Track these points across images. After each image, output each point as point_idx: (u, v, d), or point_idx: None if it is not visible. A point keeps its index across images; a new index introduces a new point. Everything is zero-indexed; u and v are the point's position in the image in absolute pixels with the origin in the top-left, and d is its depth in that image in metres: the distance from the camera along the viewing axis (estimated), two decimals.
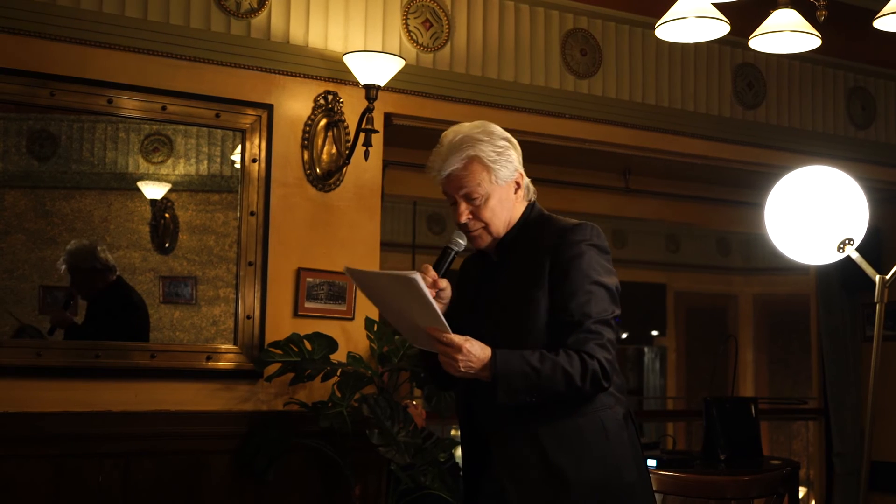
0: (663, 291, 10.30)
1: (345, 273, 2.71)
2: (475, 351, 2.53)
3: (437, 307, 2.54)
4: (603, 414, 2.66)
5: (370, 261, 4.80)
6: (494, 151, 2.73)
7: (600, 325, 2.61)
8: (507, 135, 2.80)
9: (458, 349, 2.52)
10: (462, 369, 2.54)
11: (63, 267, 4.34)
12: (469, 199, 2.73)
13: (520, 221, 2.79)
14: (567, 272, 2.63)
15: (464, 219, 2.74)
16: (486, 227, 2.75)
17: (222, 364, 4.49)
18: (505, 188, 2.76)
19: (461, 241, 2.75)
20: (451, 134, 2.77)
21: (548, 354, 2.56)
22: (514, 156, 2.78)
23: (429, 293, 2.52)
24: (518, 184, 2.79)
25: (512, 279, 2.71)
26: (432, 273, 2.67)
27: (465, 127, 2.78)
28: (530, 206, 2.82)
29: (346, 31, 4.81)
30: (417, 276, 2.49)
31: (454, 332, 2.56)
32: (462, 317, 2.69)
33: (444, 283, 2.69)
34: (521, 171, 2.80)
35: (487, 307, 2.73)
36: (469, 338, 2.55)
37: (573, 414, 2.63)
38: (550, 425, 2.62)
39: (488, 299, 2.74)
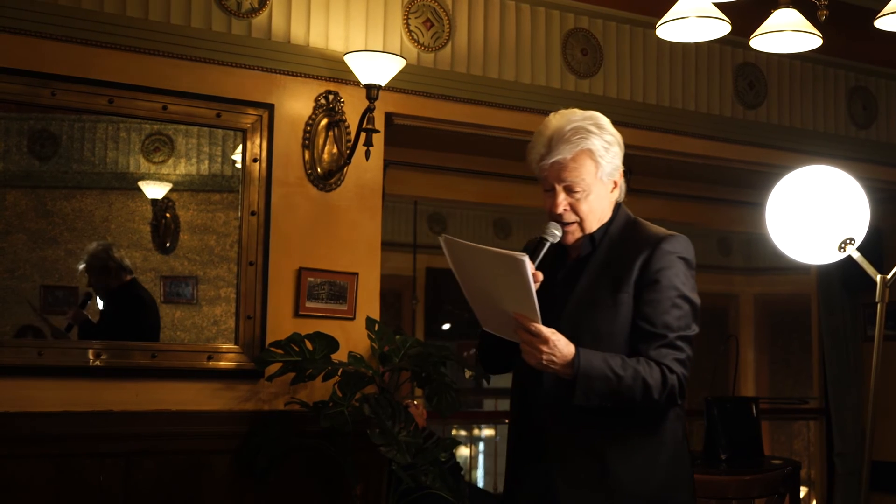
0: None
1: (441, 241, 2.59)
2: (560, 345, 2.47)
3: (535, 296, 2.45)
4: (668, 430, 2.63)
5: (371, 261, 4.80)
6: (604, 146, 2.67)
7: (682, 340, 2.58)
8: (614, 130, 2.73)
9: (546, 341, 2.46)
10: (544, 361, 2.47)
11: (82, 266, 4.36)
12: (570, 191, 2.66)
13: (608, 221, 2.72)
14: (656, 282, 2.58)
15: (560, 209, 2.66)
16: (581, 223, 2.68)
17: (223, 364, 4.49)
18: (605, 185, 2.69)
19: (556, 233, 2.67)
20: (560, 120, 2.69)
21: (629, 361, 2.51)
22: (618, 153, 2.71)
23: (532, 280, 2.43)
24: (616, 183, 2.73)
25: (597, 280, 2.65)
26: (530, 264, 2.57)
27: (577, 116, 2.69)
28: (618, 206, 2.76)
29: (347, 30, 4.81)
30: (527, 260, 2.40)
31: None
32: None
33: (539, 275, 2.57)
34: (622, 169, 2.73)
35: (566, 304, 2.65)
36: (556, 331, 2.48)
37: (639, 426, 2.60)
38: (615, 434, 2.58)
39: (567, 296, 2.67)
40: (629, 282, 2.60)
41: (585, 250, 2.71)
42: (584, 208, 2.67)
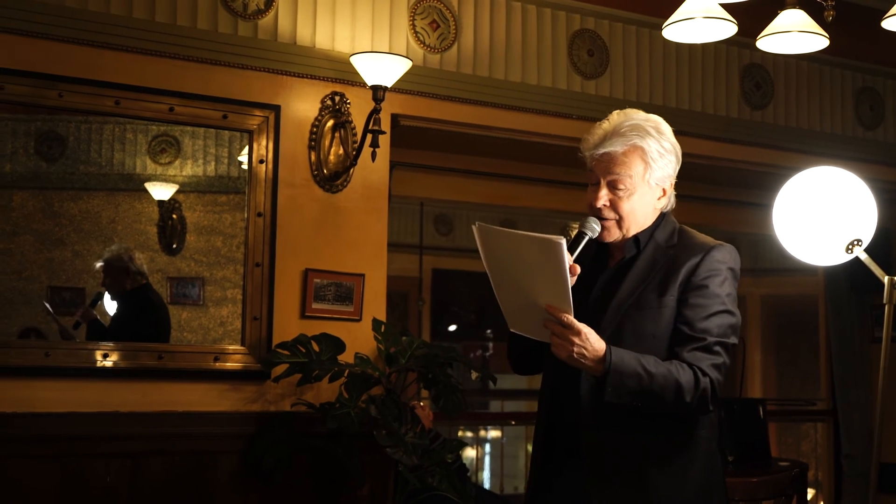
0: None
1: (474, 229, 2.51)
2: (592, 339, 2.43)
3: (568, 283, 2.40)
4: (700, 436, 2.60)
5: (377, 262, 4.80)
6: (659, 151, 2.64)
7: (719, 346, 2.55)
8: (675, 140, 2.70)
9: (578, 333, 2.42)
10: (575, 355, 2.43)
11: (100, 265, 4.37)
12: (614, 186, 2.63)
13: (651, 227, 2.69)
14: (702, 287, 2.56)
15: (599, 203, 2.63)
16: (619, 221, 2.65)
17: (230, 365, 4.49)
18: (652, 190, 2.66)
19: (596, 227, 2.62)
20: (621, 116, 2.67)
21: (662, 362, 2.48)
22: (674, 163, 2.68)
23: (566, 266, 2.38)
24: (664, 191, 2.69)
25: (642, 282, 2.61)
26: (568, 258, 2.51)
27: (639, 116, 2.67)
28: (663, 215, 2.72)
29: (353, 32, 4.81)
30: (563, 242, 2.34)
31: None
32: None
33: (577, 268, 2.53)
34: (674, 180, 2.70)
35: (609, 304, 2.62)
36: (587, 326, 2.45)
37: (675, 431, 2.57)
38: (651, 438, 2.55)
39: (610, 297, 2.63)
40: (675, 285, 2.58)
41: (630, 253, 2.68)
42: (625, 207, 2.64)
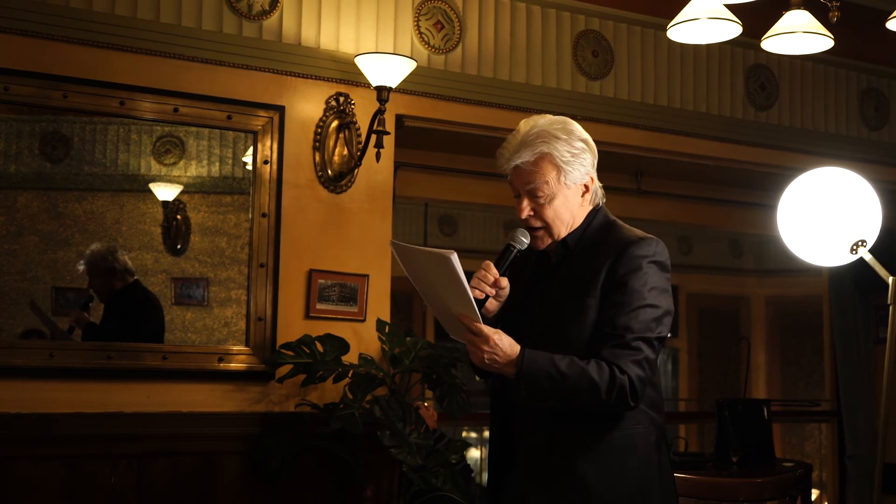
0: (675, 293, 10.28)
1: (390, 247, 2.62)
2: (503, 345, 2.48)
3: (471, 293, 2.47)
4: (635, 432, 2.61)
5: (381, 262, 4.80)
6: (569, 152, 2.65)
7: (640, 341, 2.55)
8: (587, 136, 2.71)
9: (486, 340, 2.47)
10: (486, 360, 2.49)
11: (82, 267, 4.36)
12: (533, 195, 2.65)
13: (582, 225, 2.71)
14: (621, 286, 2.56)
15: (524, 215, 2.66)
16: (547, 228, 2.67)
17: (234, 365, 4.50)
18: (572, 190, 2.68)
19: (524, 240, 2.66)
20: (528, 125, 2.69)
21: (578, 361, 2.50)
22: (589, 159, 2.69)
23: (464, 277, 2.43)
24: (587, 187, 2.70)
25: (566, 284, 2.64)
26: (493, 271, 2.60)
27: (545, 121, 2.69)
28: (594, 211, 2.74)
29: (357, 32, 4.81)
30: (453, 256, 2.39)
31: (505, 327, 2.53)
32: (512, 311, 2.64)
33: (504, 282, 2.60)
34: (594, 175, 2.72)
35: (536, 308, 2.66)
36: (500, 331, 2.49)
37: (605, 427, 2.58)
38: (581, 435, 2.57)
39: (538, 300, 2.67)
40: (596, 286, 2.59)
41: (559, 256, 2.72)
42: (548, 213, 2.66)
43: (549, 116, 2.73)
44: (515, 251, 2.65)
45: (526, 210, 2.66)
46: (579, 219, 2.71)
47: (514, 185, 2.69)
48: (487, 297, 2.60)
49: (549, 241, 2.70)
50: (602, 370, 2.49)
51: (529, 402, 2.52)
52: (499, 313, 2.67)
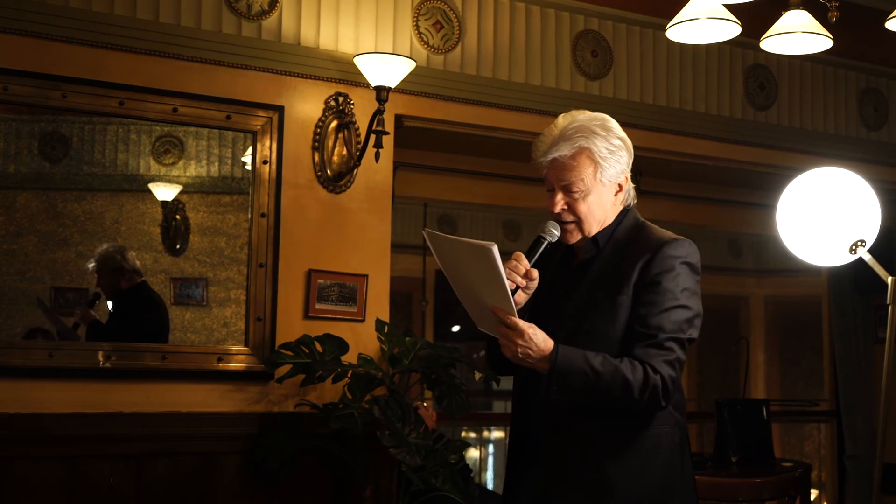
0: None
1: (424, 235, 2.59)
2: (537, 339, 2.47)
3: (508, 286, 2.45)
4: (661, 433, 2.61)
5: (381, 263, 4.80)
6: (607, 148, 2.65)
7: (672, 342, 2.55)
8: (624, 135, 2.71)
9: (521, 334, 2.46)
10: (520, 354, 2.47)
11: (92, 265, 4.37)
12: (567, 190, 2.64)
13: (613, 224, 2.70)
14: (654, 286, 2.56)
15: (557, 209, 2.65)
16: (579, 223, 2.67)
17: (233, 365, 4.49)
18: (607, 188, 2.67)
19: (555, 232, 2.65)
20: (566, 119, 2.68)
21: (611, 359, 2.49)
22: (625, 158, 2.69)
23: (503, 269, 2.42)
24: (621, 186, 2.70)
25: (597, 282, 2.63)
26: (525, 262, 2.58)
27: (584, 116, 2.69)
28: (625, 211, 2.74)
29: (356, 32, 4.81)
30: (494, 248, 2.37)
31: (529, 320, 2.51)
32: (538, 306, 2.62)
33: (535, 273, 2.59)
34: (628, 174, 2.71)
35: (567, 305, 2.65)
36: (534, 326, 2.48)
37: (631, 427, 2.57)
38: (607, 434, 2.56)
39: (568, 297, 2.66)
40: (629, 284, 2.59)
41: (590, 253, 2.71)
42: (582, 209, 2.65)
43: (588, 112, 2.72)
44: (546, 243, 2.64)
45: (559, 204, 2.65)
46: (611, 217, 2.71)
47: (548, 178, 2.68)
48: (517, 288, 2.58)
49: (580, 236, 2.69)
50: (636, 369, 2.49)
51: (561, 399, 2.51)
52: (525, 306, 2.64)
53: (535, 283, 2.62)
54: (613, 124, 2.71)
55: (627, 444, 2.57)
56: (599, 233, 2.70)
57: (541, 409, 2.63)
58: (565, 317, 2.63)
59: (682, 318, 2.58)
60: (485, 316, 2.59)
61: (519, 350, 2.47)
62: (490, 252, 2.38)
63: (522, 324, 2.47)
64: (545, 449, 2.62)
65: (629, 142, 2.72)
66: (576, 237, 2.69)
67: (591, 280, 2.65)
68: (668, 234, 2.68)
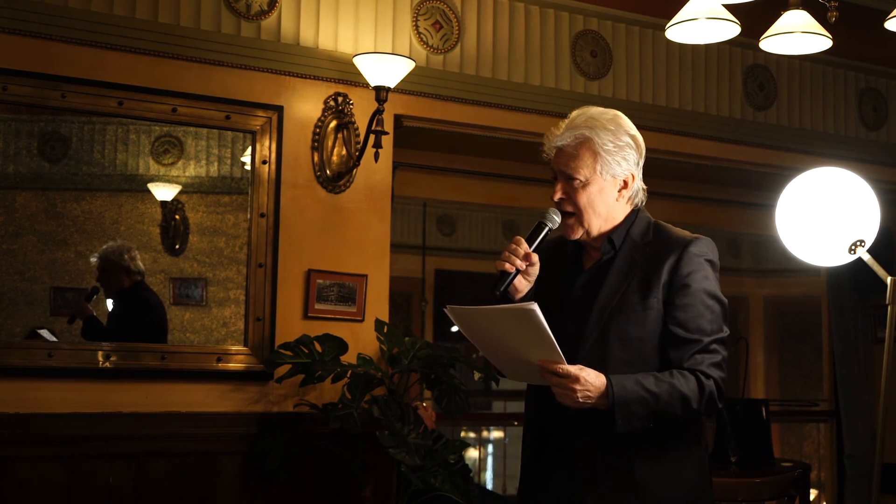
0: None
1: (447, 312, 2.53)
2: (591, 379, 2.42)
3: (553, 338, 2.40)
4: (694, 435, 2.62)
5: (380, 263, 4.80)
6: (613, 143, 2.63)
7: (715, 343, 2.55)
8: (636, 133, 2.70)
9: (576, 380, 2.41)
10: (580, 399, 2.43)
11: (95, 260, 4.37)
12: (567, 178, 2.63)
13: (625, 224, 2.68)
14: (686, 286, 2.56)
15: (556, 196, 2.64)
16: (578, 216, 2.64)
17: (233, 365, 4.49)
18: (609, 183, 2.65)
19: (556, 218, 2.64)
20: (578, 111, 2.70)
21: (662, 377, 2.48)
22: (633, 156, 2.67)
23: (545, 323, 2.39)
24: (626, 184, 2.67)
25: (623, 283, 2.60)
26: (524, 246, 2.56)
27: (596, 110, 2.70)
28: (636, 211, 2.72)
29: (356, 32, 4.81)
30: (535, 307, 2.35)
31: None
32: (550, 312, 2.54)
33: (535, 257, 2.58)
34: (636, 174, 2.69)
35: (592, 309, 2.60)
36: (582, 367, 2.44)
37: (666, 432, 2.55)
38: (642, 440, 2.53)
39: (592, 301, 2.62)
40: (658, 286, 2.57)
41: (607, 253, 2.68)
42: (581, 199, 2.63)
43: (603, 108, 2.73)
44: (547, 229, 2.63)
45: (558, 193, 2.65)
46: (617, 216, 2.69)
47: (553, 167, 2.68)
48: (517, 272, 2.57)
49: (581, 231, 2.66)
50: (688, 380, 2.49)
51: (627, 430, 2.46)
52: (528, 293, 2.63)
53: (535, 269, 2.61)
54: (625, 121, 2.70)
55: (661, 446, 2.56)
56: (614, 233, 2.67)
57: (569, 411, 2.55)
58: (592, 320, 2.59)
59: (717, 317, 2.58)
60: (518, 368, 2.57)
61: (578, 396, 2.42)
62: (533, 314, 2.36)
63: (574, 369, 2.43)
64: (576, 449, 2.59)
65: (641, 140, 2.71)
66: (577, 232, 2.67)
67: (615, 281, 2.62)
68: (686, 233, 2.68)
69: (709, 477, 2.69)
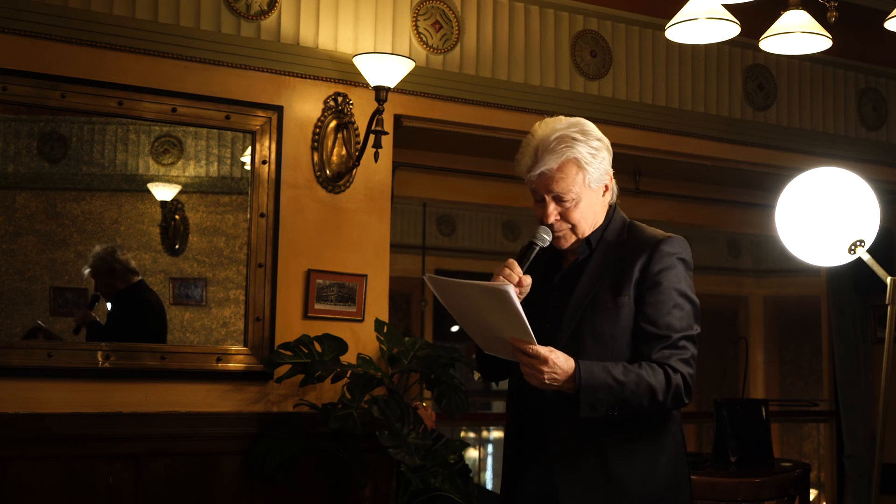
0: None
1: (426, 280, 2.62)
2: (560, 362, 2.47)
3: (525, 319, 2.45)
4: (669, 431, 2.65)
5: (380, 263, 4.80)
6: (590, 153, 2.66)
7: (685, 340, 2.60)
8: (601, 134, 2.73)
9: (545, 361, 2.46)
10: (547, 381, 2.48)
11: (87, 271, 4.37)
12: (559, 200, 2.66)
13: (603, 224, 2.73)
14: (657, 284, 2.60)
15: (551, 220, 2.67)
16: (573, 229, 2.69)
17: (232, 365, 4.49)
18: (595, 191, 2.69)
19: (546, 238, 2.67)
20: (545, 129, 2.68)
21: (631, 367, 2.52)
22: (607, 157, 2.71)
23: (519, 305, 2.43)
24: (607, 186, 2.73)
25: (596, 283, 2.65)
26: (518, 270, 2.59)
27: (561, 124, 2.69)
28: (612, 209, 2.77)
29: (356, 32, 4.81)
30: (510, 289, 2.41)
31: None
32: (528, 310, 2.59)
33: (527, 280, 2.60)
34: (611, 172, 2.74)
35: (566, 307, 2.65)
36: (553, 349, 2.49)
37: (640, 427, 2.60)
38: (616, 435, 2.58)
39: (567, 299, 2.67)
40: (629, 284, 2.62)
41: (583, 254, 2.72)
42: (575, 216, 2.67)
43: (563, 118, 2.72)
44: (538, 249, 2.66)
45: (553, 215, 2.67)
46: (601, 217, 2.74)
47: (537, 190, 2.68)
48: None
49: (574, 239, 2.71)
50: (656, 372, 2.53)
51: (590, 415, 2.50)
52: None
53: (527, 289, 2.63)
54: (590, 127, 2.72)
55: (636, 442, 2.60)
56: (591, 234, 2.72)
57: (545, 409, 2.64)
58: (566, 318, 2.64)
59: (687, 315, 2.63)
60: (493, 343, 2.62)
61: (545, 377, 2.47)
62: (507, 294, 2.41)
63: (544, 350, 2.47)
64: (551, 445, 2.63)
65: (607, 140, 2.75)
66: (569, 241, 2.71)
67: (589, 281, 2.67)
68: (659, 231, 2.71)
69: (686, 474, 2.72)
